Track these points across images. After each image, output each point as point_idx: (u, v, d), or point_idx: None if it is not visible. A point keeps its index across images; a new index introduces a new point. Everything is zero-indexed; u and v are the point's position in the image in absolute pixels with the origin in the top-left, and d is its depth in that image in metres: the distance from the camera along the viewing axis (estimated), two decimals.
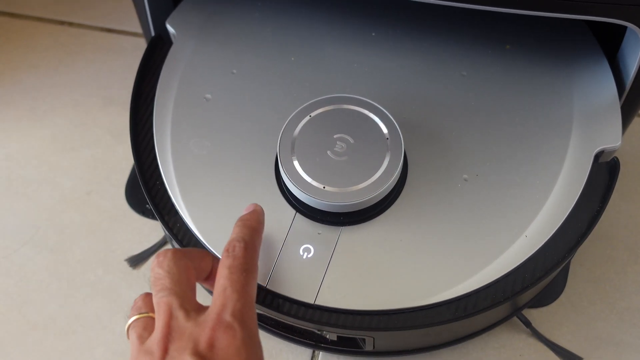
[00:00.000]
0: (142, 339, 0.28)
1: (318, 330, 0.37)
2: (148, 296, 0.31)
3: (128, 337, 0.29)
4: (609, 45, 0.45)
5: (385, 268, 0.36)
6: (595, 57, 0.44)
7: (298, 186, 0.36)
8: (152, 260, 0.30)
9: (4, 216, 0.52)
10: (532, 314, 0.45)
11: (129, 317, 0.30)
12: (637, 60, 0.40)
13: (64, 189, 0.54)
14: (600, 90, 0.42)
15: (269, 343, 0.44)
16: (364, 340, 0.39)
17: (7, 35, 0.66)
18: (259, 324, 0.41)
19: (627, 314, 0.45)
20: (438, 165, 0.39)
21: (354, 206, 0.36)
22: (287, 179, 0.36)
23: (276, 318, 0.37)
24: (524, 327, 0.44)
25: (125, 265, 0.49)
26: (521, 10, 0.37)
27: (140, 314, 0.30)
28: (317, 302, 0.35)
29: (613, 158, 0.40)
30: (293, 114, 0.38)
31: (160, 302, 0.28)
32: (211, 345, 0.26)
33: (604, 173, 0.40)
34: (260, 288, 0.35)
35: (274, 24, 0.46)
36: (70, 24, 0.68)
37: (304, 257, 0.36)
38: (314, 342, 0.41)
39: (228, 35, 0.46)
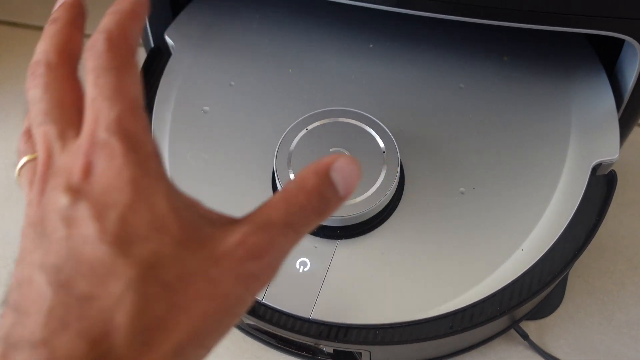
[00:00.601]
0: (32, 185, 0.22)
1: (314, 344, 0.37)
2: (28, 133, 0.25)
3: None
4: (608, 57, 0.45)
5: (381, 282, 0.36)
6: (594, 70, 0.44)
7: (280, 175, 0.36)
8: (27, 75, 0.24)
9: (4, 225, 0.52)
10: (529, 326, 0.45)
11: (17, 164, 0.24)
12: (635, 73, 0.40)
13: None
14: (598, 103, 0.42)
15: (266, 355, 0.44)
16: (360, 354, 0.39)
17: (9, 44, 0.67)
18: (254, 335, 0.41)
19: (625, 327, 0.45)
20: (435, 178, 0.39)
21: (350, 220, 0.36)
22: (275, 171, 0.37)
23: (272, 331, 0.37)
24: (522, 339, 0.44)
25: None
26: (519, 24, 0.37)
27: (27, 156, 0.24)
28: (313, 317, 0.35)
29: (611, 171, 0.40)
30: (290, 127, 0.39)
31: (37, 134, 0.22)
32: (86, 173, 0.20)
33: (602, 186, 0.40)
34: (257, 302, 0.35)
35: (272, 36, 0.46)
36: None
37: (300, 270, 0.36)
38: (311, 355, 0.41)
39: (226, 47, 0.46)
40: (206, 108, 0.43)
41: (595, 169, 0.40)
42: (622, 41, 0.41)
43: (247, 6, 0.48)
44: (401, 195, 0.39)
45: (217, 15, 0.48)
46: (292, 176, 0.37)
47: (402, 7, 0.37)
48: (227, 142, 0.41)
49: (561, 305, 0.46)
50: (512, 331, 0.43)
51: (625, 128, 0.47)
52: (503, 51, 0.45)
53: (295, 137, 0.38)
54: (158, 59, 0.47)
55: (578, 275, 0.47)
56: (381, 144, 0.38)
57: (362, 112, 0.39)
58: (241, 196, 0.39)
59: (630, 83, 0.41)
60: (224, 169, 0.40)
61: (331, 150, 0.38)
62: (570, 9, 0.35)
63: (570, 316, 0.46)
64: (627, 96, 0.42)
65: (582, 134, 0.41)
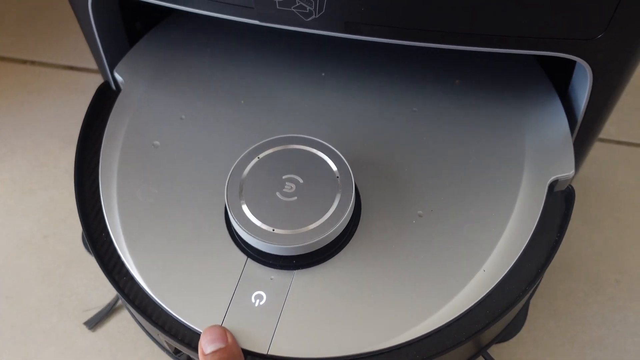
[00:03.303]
0: None
1: None
2: None
3: None
4: (561, 77, 0.45)
5: (341, 312, 0.35)
6: (544, 89, 0.45)
7: (247, 230, 0.35)
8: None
9: None
10: (492, 350, 0.44)
11: None
12: (587, 92, 0.41)
13: (20, 232, 0.52)
14: (550, 121, 0.43)
15: None
16: None
17: None
18: None
19: (589, 347, 0.45)
20: (392, 202, 0.39)
21: (306, 248, 0.35)
22: (236, 223, 0.35)
23: None
24: None
25: (81, 312, 0.48)
26: (468, 47, 0.37)
27: None
28: (270, 352, 0.34)
29: (568, 187, 0.40)
30: (241, 156, 0.38)
31: None
32: None
33: (560, 202, 0.40)
34: None
35: (224, 68, 0.46)
36: (33, 63, 0.67)
37: (256, 304, 0.35)
38: None
39: (177, 81, 0.46)
40: (156, 142, 0.42)
41: (552, 186, 0.40)
42: (574, 62, 0.42)
43: (197, 40, 0.48)
44: (358, 220, 0.38)
45: (167, 50, 0.47)
46: (244, 207, 0.36)
47: (351, 33, 0.37)
48: (178, 176, 0.40)
49: (524, 328, 0.46)
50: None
51: (582, 145, 0.47)
52: (455, 74, 0.46)
53: (246, 167, 0.38)
54: (107, 95, 0.46)
55: (540, 295, 0.47)
56: (334, 169, 0.37)
57: (313, 138, 0.39)
58: (194, 232, 0.38)
59: (583, 102, 0.42)
60: (176, 204, 0.39)
61: (283, 177, 0.37)
62: (519, 31, 0.36)
63: (534, 339, 0.45)
64: (581, 114, 0.43)
65: (536, 152, 0.41)
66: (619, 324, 0.46)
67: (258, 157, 0.38)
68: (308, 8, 0.36)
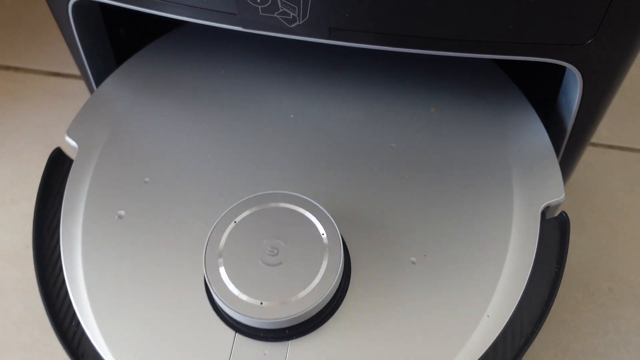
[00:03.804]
0: None
1: None
2: None
3: None
4: (548, 86, 0.45)
5: None
6: (524, 112, 0.43)
7: (232, 307, 0.32)
8: None
9: None
10: None
11: None
12: (577, 98, 0.40)
13: (2, 243, 0.51)
14: (534, 145, 0.41)
15: None
16: None
17: None
18: None
19: (582, 356, 0.44)
20: (382, 252, 0.36)
21: (298, 318, 0.32)
22: (220, 300, 0.32)
23: None
24: None
25: None
26: (455, 53, 0.36)
27: None
28: None
29: (562, 213, 0.39)
30: (215, 223, 0.35)
31: None
32: None
33: (555, 231, 0.38)
34: None
35: (186, 122, 0.43)
36: (16, 69, 0.66)
37: None
38: None
39: (137, 139, 0.42)
40: (121, 212, 0.38)
41: (544, 214, 0.38)
42: (561, 70, 0.41)
43: (153, 92, 0.45)
44: (349, 278, 0.35)
45: (121, 106, 0.43)
46: (227, 281, 0.32)
47: (335, 39, 0.36)
48: (149, 248, 0.36)
49: None
50: None
51: (574, 150, 0.46)
52: (429, 103, 0.44)
53: (223, 234, 0.34)
54: (60, 164, 0.41)
55: None
56: (319, 226, 0.34)
57: (292, 193, 0.36)
58: (174, 309, 0.34)
59: (573, 107, 0.41)
60: (149, 281, 0.35)
61: (265, 241, 0.34)
62: (508, 37, 0.35)
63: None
64: (572, 119, 0.42)
65: (524, 180, 0.39)
66: (611, 332, 0.45)
67: (235, 222, 0.35)
68: (292, 14, 0.35)
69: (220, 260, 0.33)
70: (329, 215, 0.35)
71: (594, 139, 0.54)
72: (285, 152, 0.41)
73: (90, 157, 0.40)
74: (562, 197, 0.39)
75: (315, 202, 0.35)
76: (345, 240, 0.36)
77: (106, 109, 0.43)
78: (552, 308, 0.46)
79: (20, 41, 0.68)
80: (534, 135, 0.42)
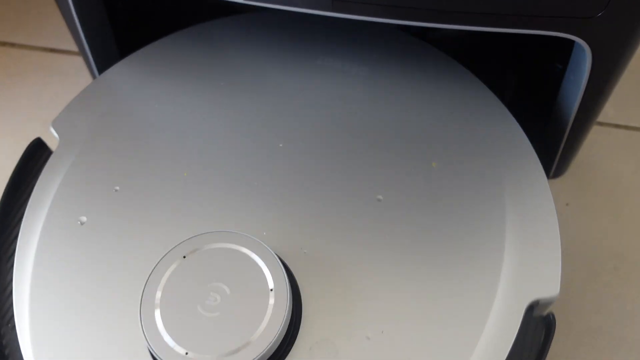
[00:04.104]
0: None
1: None
2: None
3: None
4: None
5: None
6: (534, 173, 0.38)
7: (156, 351, 0.29)
8: None
9: None
10: None
11: None
12: (586, 74, 0.39)
13: None
14: (538, 223, 0.36)
15: None
16: None
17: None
18: None
19: (586, 336, 0.44)
20: (339, 320, 0.32)
21: None
22: (149, 344, 0.30)
23: None
24: None
25: None
26: (463, 26, 0.35)
27: None
28: None
29: (549, 314, 0.34)
30: (162, 257, 0.32)
31: None
32: None
33: (538, 333, 0.33)
34: None
35: (171, 130, 0.40)
36: (12, 45, 0.65)
37: None
38: None
39: (119, 143, 0.39)
40: (83, 218, 0.36)
41: (531, 308, 0.33)
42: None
43: (145, 95, 0.42)
44: (294, 339, 0.32)
45: (113, 103, 0.41)
46: (159, 322, 0.30)
47: (338, 12, 0.35)
48: (99, 264, 0.34)
49: None
50: None
51: (580, 129, 0.46)
52: (428, 157, 0.38)
53: (167, 270, 0.32)
54: (38, 155, 0.40)
55: None
56: (268, 275, 0.31)
57: (247, 236, 0.32)
58: (110, 343, 0.32)
59: (581, 84, 0.40)
60: (90, 299, 0.33)
61: (209, 285, 0.31)
62: (518, 10, 0.34)
63: None
64: (579, 96, 0.41)
65: (517, 262, 0.34)
66: (616, 311, 0.45)
67: (184, 257, 0.32)
68: None
69: (159, 299, 0.31)
70: (281, 267, 0.31)
71: (600, 118, 0.53)
72: (264, 185, 0.37)
73: (69, 154, 0.39)
74: (556, 293, 0.33)
75: (267, 247, 0.32)
76: (301, 300, 0.32)
77: (97, 104, 0.41)
78: None
79: (15, 17, 0.67)
80: (542, 210, 0.36)
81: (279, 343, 0.30)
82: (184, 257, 0.32)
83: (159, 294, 0.31)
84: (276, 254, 0.32)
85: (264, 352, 0.29)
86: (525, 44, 0.52)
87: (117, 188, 0.37)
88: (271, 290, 0.31)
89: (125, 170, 0.38)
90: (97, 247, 0.35)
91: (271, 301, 0.30)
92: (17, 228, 0.36)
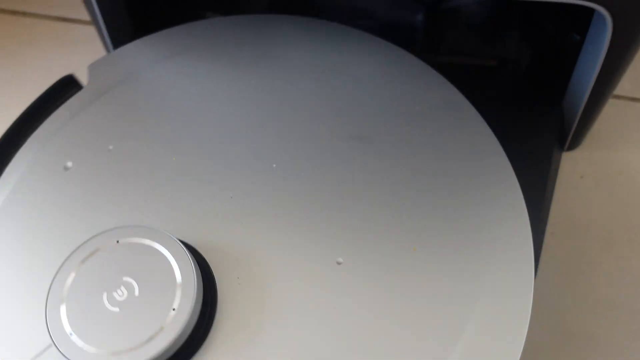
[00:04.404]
0: None
1: None
2: None
3: None
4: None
5: None
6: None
7: (61, 349, 0.29)
8: None
9: None
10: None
11: None
12: (605, 45, 0.39)
13: None
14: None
15: None
16: None
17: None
18: None
19: (599, 307, 0.44)
20: (257, 315, 0.31)
21: None
22: (50, 336, 0.30)
23: None
24: None
25: None
26: None
27: None
28: None
29: None
30: (68, 257, 0.31)
31: None
32: None
33: None
34: None
35: (185, 99, 0.39)
36: (24, 14, 0.64)
37: None
38: None
39: (136, 103, 0.39)
40: (69, 164, 0.36)
41: None
42: None
43: (192, 56, 0.41)
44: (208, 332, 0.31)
45: (147, 64, 0.41)
46: (63, 317, 0.30)
47: None
48: (44, 222, 0.34)
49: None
50: None
51: (597, 102, 0.45)
52: (412, 241, 0.34)
53: (75, 265, 0.31)
54: (64, 91, 0.41)
55: (551, 255, 0.46)
56: (177, 274, 0.30)
57: (156, 229, 0.31)
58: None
59: (599, 56, 0.39)
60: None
61: (115, 280, 0.30)
62: None
63: (542, 297, 0.44)
64: (597, 69, 0.41)
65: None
66: (630, 284, 0.45)
67: (87, 256, 0.31)
68: None
69: (64, 297, 0.30)
70: (189, 256, 0.31)
71: (616, 91, 0.53)
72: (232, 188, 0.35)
73: (84, 100, 0.39)
74: None
75: (178, 241, 0.31)
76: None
77: (134, 59, 0.42)
78: (571, 259, 0.46)
79: None
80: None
81: (186, 336, 0.30)
82: (92, 253, 0.31)
83: (65, 290, 0.30)
84: (192, 247, 0.32)
85: (170, 344, 0.29)
86: (542, 14, 0.51)
87: (111, 147, 0.37)
88: (179, 283, 0.30)
89: (124, 133, 0.38)
90: (53, 200, 0.35)
91: (178, 294, 0.29)
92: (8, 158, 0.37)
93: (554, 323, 0.43)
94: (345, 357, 0.30)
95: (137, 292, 0.30)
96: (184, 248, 0.31)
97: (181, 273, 0.30)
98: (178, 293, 0.29)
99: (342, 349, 0.31)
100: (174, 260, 0.30)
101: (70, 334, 0.29)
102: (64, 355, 0.29)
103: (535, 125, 0.48)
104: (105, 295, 0.30)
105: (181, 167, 0.36)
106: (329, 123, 0.38)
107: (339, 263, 0.33)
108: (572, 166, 0.51)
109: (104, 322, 0.29)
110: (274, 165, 0.36)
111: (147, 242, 0.31)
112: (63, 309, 0.30)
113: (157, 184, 0.36)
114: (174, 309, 0.29)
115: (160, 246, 0.31)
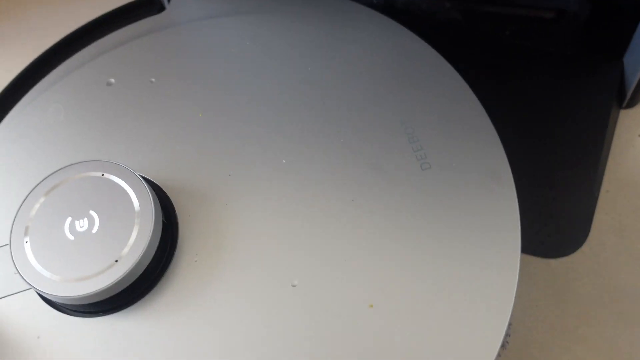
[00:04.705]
0: None
1: None
2: None
3: None
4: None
5: None
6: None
7: (23, 274, 0.31)
8: None
9: None
10: (551, 264, 0.43)
11: None
12: None
13: None
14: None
15: None
16: None
17: None
18: None
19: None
20: (215, 242, 0.33)
21: (97, 295, 0.30)
22: (15, 265, 0.31)
23: None
24: None
25: None
26: None
27: None
28: None
29: None
30: (45, 179, 0.33)
31: None
32: None
33: None
34: None
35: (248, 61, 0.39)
36: None
37: None
38: None
39: (202, 37, 0.40)
40: (111, 80, 0.38)
41: None
42: None
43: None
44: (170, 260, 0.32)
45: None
46: (28, 251, 0.31)
47: None
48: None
49: (585, 243, 0.44)
50: None
51: None
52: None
53: (36, 201, 0.32)
54: (144, 9, 0.41)
55: (606, 212, 0.45)
56: (135, 203, 0.32)
57: (110, 161, 0.33)
58: None
59: None
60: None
61: (75, 213, 0.32)
62: None
63: (595, 254, 0.44)
64: None
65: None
66: None
67: (51, 188, 0.33)
68: None
69: (27, 231, 0.32)
70: (146, 186, 0.32)
71: None
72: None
73: (160, 24, 0.40)
74: None
75: (135, 173, 0.32)
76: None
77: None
78: (626, 216, 0.45)
79: None
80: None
81: (146, 263, 0.31)
82: (52, 188, 0.33)
83: (28, 223, 0.32)
84: (153, 183, 0.33)
85: (130, 270, 0.30)
86: None
87: (153, 80, 0.38)
88: (137, 212, 0.31)
89: (167, 69, 0.38)
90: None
91: (137, 222, 0.31)
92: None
93: (606, 280, 0.43)
94: (302, 294, 0.31)
95: (96, 223, 0.31)
96: (144, 182, 0.32)
97: (140, 206, 0.31)
98: (136, 225, 0.31)
99: (298, 286, 0.31)
100: (132, 191, 0.32)
101: (32, 261, 0.31)
102: (13, 260, 0.31)
103: (593, 81, 0.47)
104: (67, 225, 0.31)
105: (203, 124, 0.37)
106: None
107: (301, 206, 0.33)
108: (629, 124, 0.49)
109: (63, 251, 0.31)
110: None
111: (111, 177, 0.33)
112: (27, 238, 0.31)
113: (163, 130, 0.36)
114: (131, 241, 0.30)
115: (122, 181, 0.32)
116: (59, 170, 0.33)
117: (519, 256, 0.32)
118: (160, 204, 0.32)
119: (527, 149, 0.43)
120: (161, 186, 0.34)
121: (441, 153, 0.34)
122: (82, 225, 0.31)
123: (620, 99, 0.49)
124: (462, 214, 0.33)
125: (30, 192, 0.33)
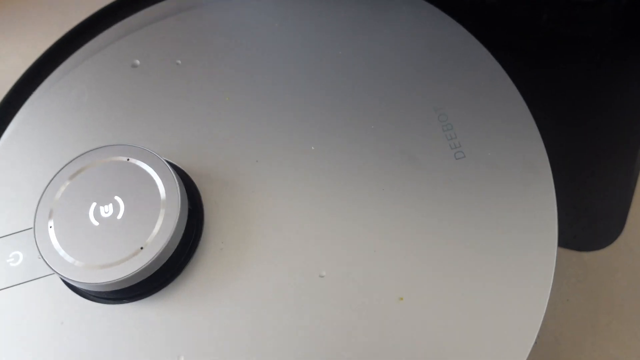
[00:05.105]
0: None
1: None
2: None
3: None
4: None
5: None
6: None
7: (47, 259, 0.30)
8: None
9: None
10: (584, 258, 0.42)
11: None
12: None
13: None
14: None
15: None
16: None
17: None
18: None
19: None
20: (242, 231, 0.32)
21: (123, 282, 0.30)
22: (39, 250, 0.30)
23: None
24: None
25: None
26: None
27: None
28: None
29: None
30: (70, 162, 0.32)
31: None
32: None
33: None
34: None
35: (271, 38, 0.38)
36: None
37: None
38: None
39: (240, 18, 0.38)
40: (137, 62, 0.37)
41: None
42: None
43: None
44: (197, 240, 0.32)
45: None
46: (52, 237, 0.30)
47: None
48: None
49: (620, 237, 0.42)
50: None
51: None
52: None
53: (65, 179, 0.32)
54: None
55: None
56: (162, 191, 0.31)
57: (138, 146, 0.32)
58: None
59: None
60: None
61: (100, 198, 0.31)
62: None
63: (630, 248, 0.42)
64: None
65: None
66: None
67: (73, 176, 0.32)
68: None
69: (51, 214, 0.31)
70: (173, 173, 0.31)
71: None
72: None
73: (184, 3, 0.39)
74: None
75: (162, 159, 0.31)
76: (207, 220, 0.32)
77: None
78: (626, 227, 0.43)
79: None
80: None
81: (172, 250, 0.30)
82: (77, 172, 0.32)
83: (52, 208, 0.31)
84: (180, 169, 0.32)
85: (155, 257, 0.29)
86: None
87: (179, 62, 0.37)
88: (163, 198, 0.30)
89: (197, 50, 0.37)
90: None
91: (162, 208, 0.30)
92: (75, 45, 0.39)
93: None
94: (329, 285, 0.30)
95: (122, 209, 0.31)
96: (170, 168, 0.31)
97: (166, 192, 0.30)
98: (162, 212, 0.30)
99: (326, 277, 0.31)
100: (158, 177, 0.31)
101: (56, 246, 0.30)
102: (38, 248, 0.30)
103: (634, 68, 0.45)
104: (91, 211, 0.31)
105: (230, 108, 0.35)
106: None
107: (330, 194, 0.32)
108: None
109: (88, 237, 0.30)
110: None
111: (137, 162, 0.32)
112: (51, 222, 0.31)
113: (189, 114, 0.35)
114: (156, 228, 0.30)
115: (148, 166, 0.31)
116: (84, 153, 0.32)
117: (555, 252, 0.31)
118: (186, 190, 0.31)
119: (562, 139, 0.41)
120: (186, 172, 0.33)
121: (476, 142, 0.33)
122: (107, 211, 0.31)
123: None
124: (496, 206, 0.32)
125: (56, 175, 0.32)
